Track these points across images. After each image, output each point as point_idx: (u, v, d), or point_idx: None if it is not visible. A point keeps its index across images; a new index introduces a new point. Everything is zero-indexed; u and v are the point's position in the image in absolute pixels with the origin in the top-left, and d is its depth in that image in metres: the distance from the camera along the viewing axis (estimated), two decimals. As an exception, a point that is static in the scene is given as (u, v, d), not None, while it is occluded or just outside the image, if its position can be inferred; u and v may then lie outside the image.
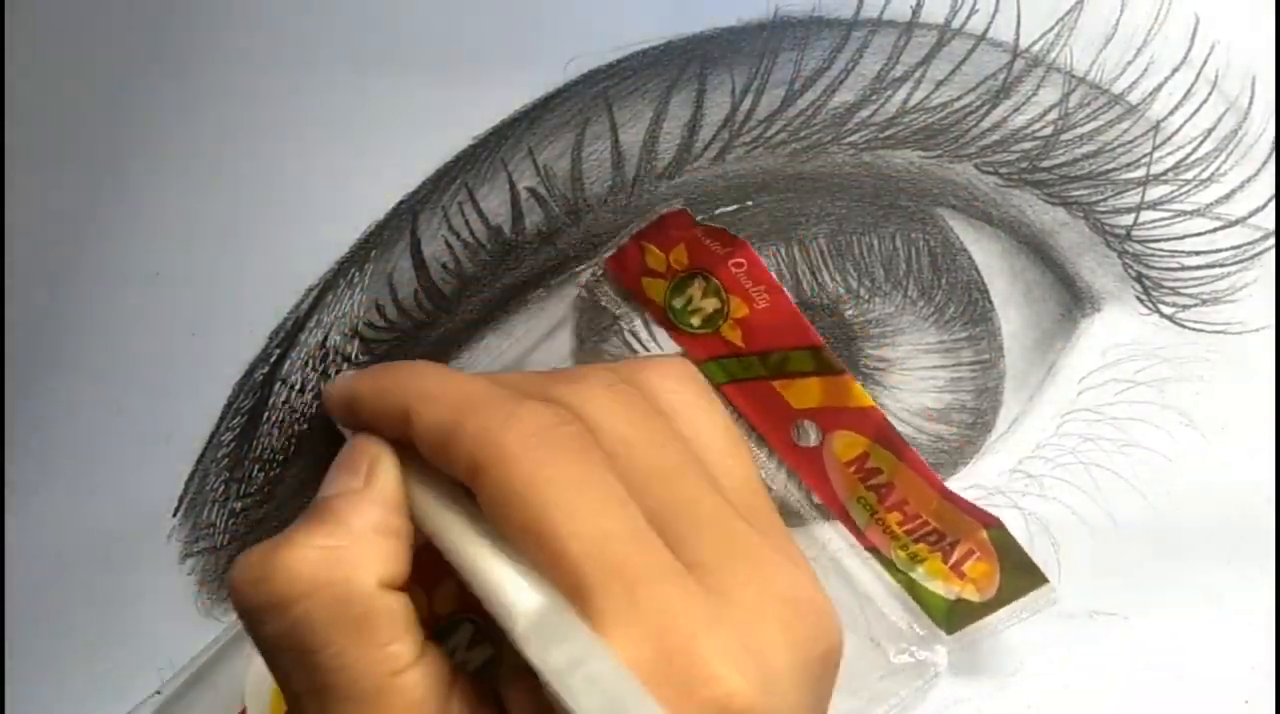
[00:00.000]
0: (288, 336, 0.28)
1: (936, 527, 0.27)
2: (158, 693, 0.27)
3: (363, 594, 0.20)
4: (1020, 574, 0.26)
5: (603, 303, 0.27)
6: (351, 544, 0.20)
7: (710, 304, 0.27)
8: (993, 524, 0.26)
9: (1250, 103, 0.29)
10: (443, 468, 0.21)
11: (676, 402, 0.23)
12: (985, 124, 0.28)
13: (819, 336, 0.26)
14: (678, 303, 0.27)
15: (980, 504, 0.27)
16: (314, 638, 0.19)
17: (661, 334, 0.28)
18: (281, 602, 0.20)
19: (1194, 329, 0.29)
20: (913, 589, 0.27)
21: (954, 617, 0.27)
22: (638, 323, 0.28)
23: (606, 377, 0.22)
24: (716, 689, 0.18)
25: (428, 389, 0.21)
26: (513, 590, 0.19)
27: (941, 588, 0.27)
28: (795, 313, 0.26)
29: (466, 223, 0.28)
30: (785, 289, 0.26)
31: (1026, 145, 0.28)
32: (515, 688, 0.20)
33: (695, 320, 0.27)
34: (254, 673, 0.26)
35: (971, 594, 0.27)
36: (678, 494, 0.21)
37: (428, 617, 0.25)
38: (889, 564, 0.27)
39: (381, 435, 0.22)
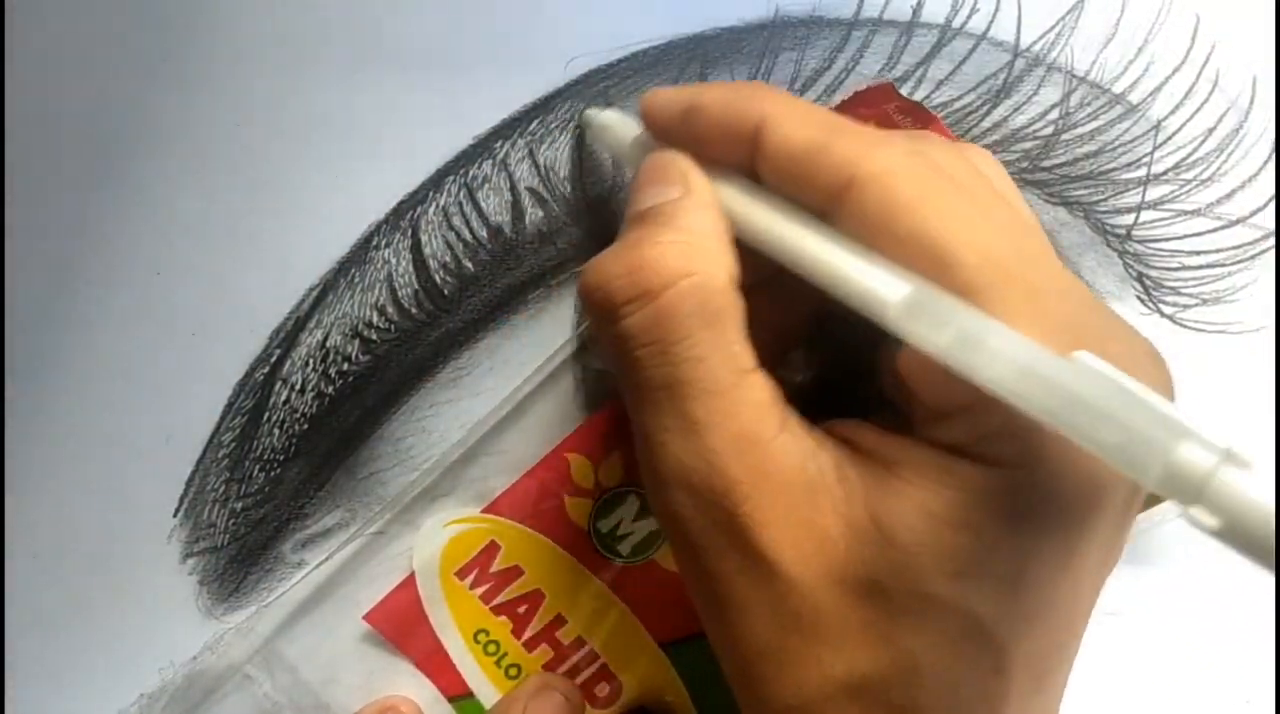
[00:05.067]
0: (288, 337, 0.28)
1: None
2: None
3: (720, 287, 0.21)
4: None
5: None
6: (700, 239, 0.21)
7: None
8: None
9: (1250, 103, 0.29)
10: (792, 184, 0.21)
11: (999, 175, 0.22)
12: (986, 124, 0.28)
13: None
14: None
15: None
16: (677, 328, 0.20)
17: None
18: (648, 291, 0.20)
19: (1194, 329, 0.29)
20: None
21: None
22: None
23: (944, 139, 0.22)
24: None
25: (790, 107, 0.21)
26: (882, 282, 0.19)
27: None
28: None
29: (467, 223, 0.28)
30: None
31: (1027, 145, 0.28)
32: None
33: None
34: (422, 536, 0.27)
35: None
36: None
37: (594, 487, 0.27)
38: None
39: (713, 149, 0.22)
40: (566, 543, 0.27)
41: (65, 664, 0.28)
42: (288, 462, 0.28)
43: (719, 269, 0.21)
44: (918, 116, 0.27)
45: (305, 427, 0.28)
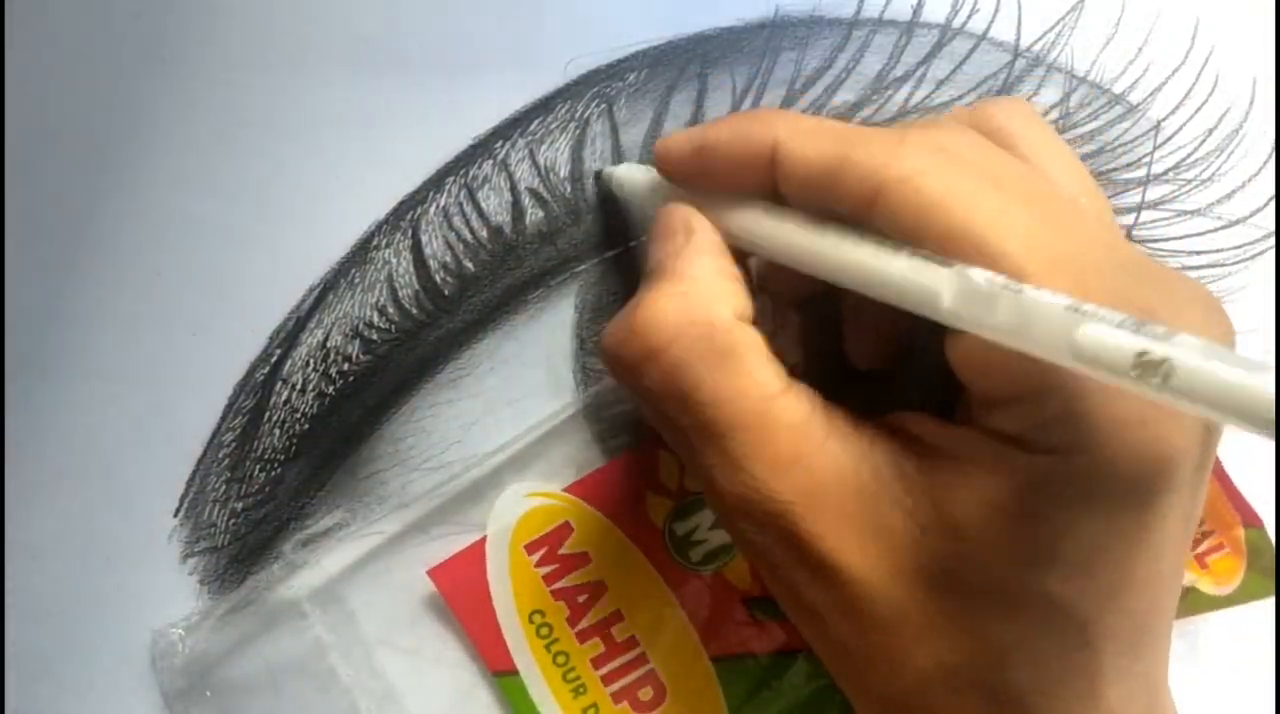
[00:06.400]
0: (288, 337, 0.27)
1: None
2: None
3: (723, 326, 0.21)
4: (1263, 579, 0.26)
5: None
6: (698, 286, 0.22)
7: None
8: (1256, 524, 0.26)
9: (1250, 103, 0.29)
10: (818, 202, 0.21)
11: (1033, 139, 0.22)
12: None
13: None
14: None
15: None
16: (690, 377, 0.21)
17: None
18: (654, 349, 0.21)
19: (1194, 329, 0.29)
20: None
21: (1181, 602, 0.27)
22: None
23: (956, 122, 0.22)
24: None
25: (800, 126, 0.21)
26: (929, 277, 0.19)
27: None
28: None
29: (467, 223, 0.28)
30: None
31: (1027, 145, 0.28)
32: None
33: None
34: (501, 501, 0.27)
35: (1208, 586, 0.27)
36: None
37: (677, 489, 0.27)
38: None
39: (731, 181, 0.22)
40: (639, 539, 0.27)
41: (65, 664, 0.27)
42: (288, 462, 0.28)
43: (721, 308, 0.21)
44: None
45: (305, 427, 0.28)
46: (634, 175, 0.26)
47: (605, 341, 0.22)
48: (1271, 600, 0.28)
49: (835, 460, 0.20)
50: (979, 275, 0.18)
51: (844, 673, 0.22)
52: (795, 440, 0.21)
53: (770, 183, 0.22)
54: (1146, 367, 0.16)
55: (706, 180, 0.23)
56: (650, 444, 0.27)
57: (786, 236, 0.22)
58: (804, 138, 0.21)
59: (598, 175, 0.28)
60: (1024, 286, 0.18)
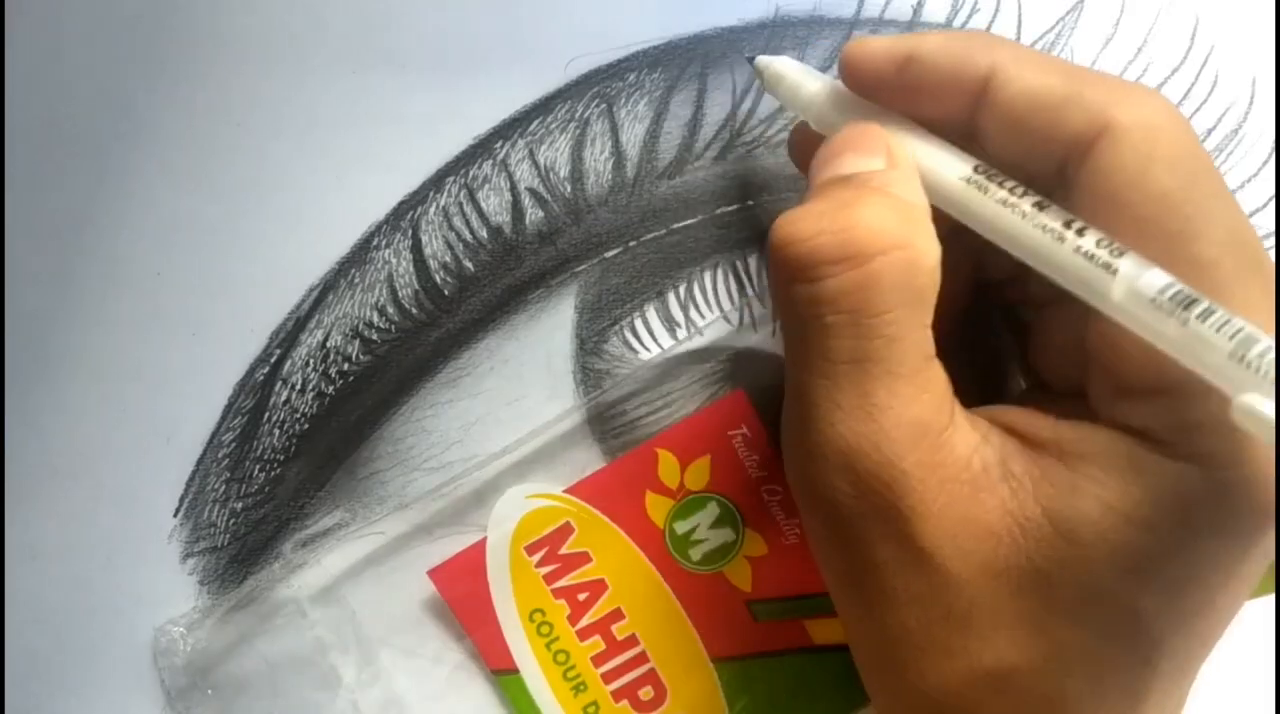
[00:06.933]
0: (288, 337, 0.28)
1: None
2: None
3: (929, 267, 0.19)
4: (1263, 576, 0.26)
5: None
6: (916, 213, 0.19)
7: None
8: None
9: (1250, 103, 0.29)
10: (1029, 137, 0.19)
11: None
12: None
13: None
14: None
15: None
16: (879, 301, 0.19)
17: (661, 333, 0.28)
18: (859, 254, 0.19)
19: (1194, 329, 0.29)
20: None
21: None
22: (638, 322, 0.28)
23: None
24: None
25: (1026, 54, 0.20)
26: (1103, 261, 0.18)
27: None
28: None
29: (467, 223, 0.28)
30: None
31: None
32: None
33: None
34: (501, 502, 0.27)
35: None
36: None
37: (678, 487, 0.27)
38: None
39: (933, 103, 0.21)
40: (640, 539, 0.27)
41: (65, 663, 0.28)
42: (288, 462, 0.28)
43: (930, 246, 0.19)
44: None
45: (305, 427, 0.28)
46: (795, 75, 0.24)
47: (788, 229, 0.19)
48: (1271, 599, 0.28)
49: (957, 445, 0.19)
50: (1158, 281, 0.17)
51: (884, 663, 0.21)
52: (936, 410, 0.19)
53: (969, 113, 0.20)
54: None
55: (905, 98, 0.21)
56: (650, 445, 0.27)
57: (953, 174, 0.20)
58: (1031, 65, 0.19)
59: (750, 60, 0.25)
60: (1197, 308, 0.17)
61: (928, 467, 0.19)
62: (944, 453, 0.19)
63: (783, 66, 0.24)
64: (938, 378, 0.20)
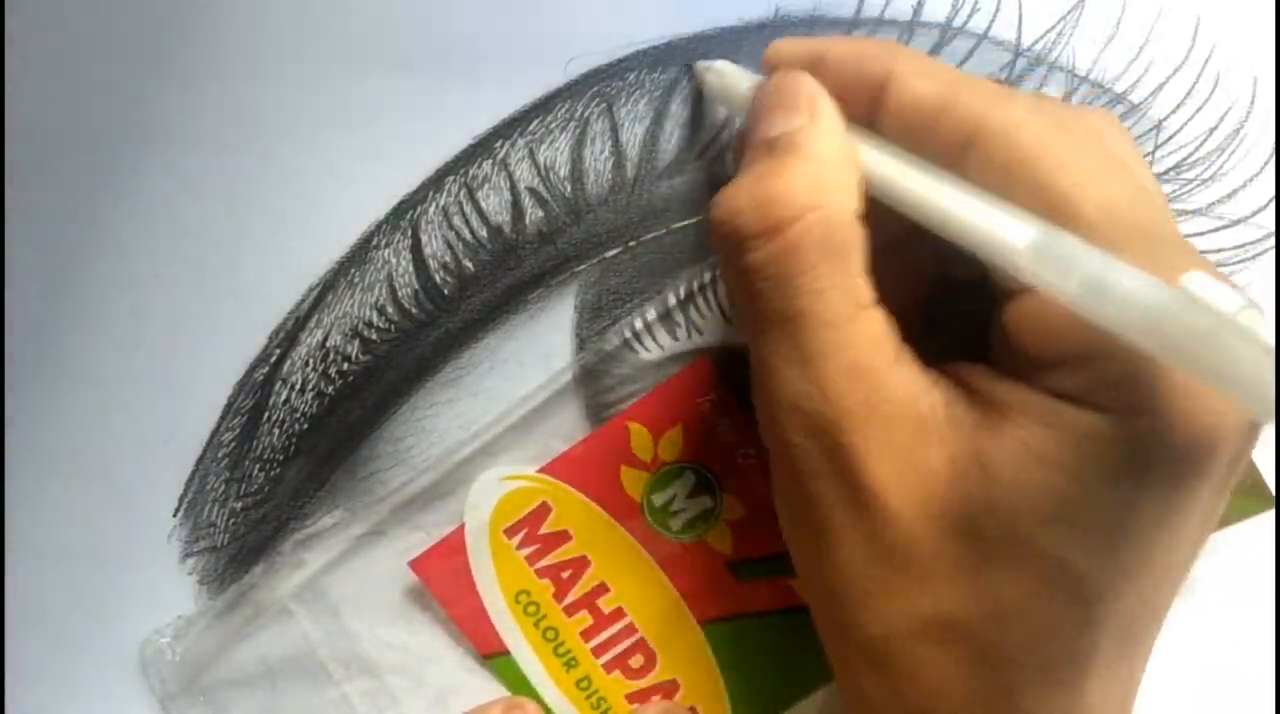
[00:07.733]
0: (288, 336, 0.28)
1: None
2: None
3: (846, 221, 0.21)
4: (1249, 498, 0.26)
5: None
6: (830, 169, 0.21)
7: None
8: None
9: (1251, 102, 0.29)
10: (916, 138, 0.21)
11: (1119, 140, 0.22)
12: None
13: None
14: None
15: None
16: (800, 261, 0.20)
17: (662, 334, 0.28)
18: (776, 225, 0.20)
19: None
20: None
21: None
22: (638, 323, 0.28)
23: (1062, 102, 0.23)
24: None
25: (917, 63, 0.22)
26: (1010, 228, 0.19)
27: None
28: None
29: (467, 223, 0.28)
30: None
31: (1027, 145, 0.28)
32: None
33: None
34: (476, 488, 0.27)
35: None
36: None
37: (652, 460, 0.27)
38: None
39: (835, 100, 0.22)
40: (618, 513, 0.27)
41: (65, 664, 0.28)
42: (288, 461, 0.28)
43: (847, 200, 0.21)
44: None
45: (305, 426, 0.28)
46: (730, 74, 0.26)
47: (720, 210, 0.21)
48: (1270, 588, 0.28)
49: (899, 386, 0.20)
50: (1063, 239, 0.18)
51: (830, 608, 0.22)
52: (872, 352, 0.20)
53: (868, 112, 0.22)
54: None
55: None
56: (620, 419, 0.27)
57: (878, 164, 0.21)
58: (918, 73, 0.21)
59: (688, 69, 0.27)
60: (1109, 259, 0.17)
61: (868, 406, 0.20)
62: (886, 393, 0.20)
63: (722, 67, 0.26)
64: (874, 322, 0.21)
